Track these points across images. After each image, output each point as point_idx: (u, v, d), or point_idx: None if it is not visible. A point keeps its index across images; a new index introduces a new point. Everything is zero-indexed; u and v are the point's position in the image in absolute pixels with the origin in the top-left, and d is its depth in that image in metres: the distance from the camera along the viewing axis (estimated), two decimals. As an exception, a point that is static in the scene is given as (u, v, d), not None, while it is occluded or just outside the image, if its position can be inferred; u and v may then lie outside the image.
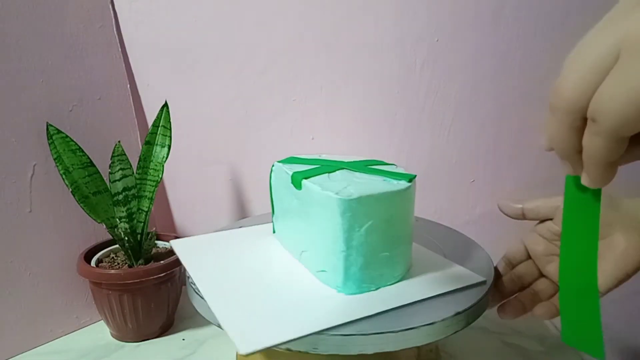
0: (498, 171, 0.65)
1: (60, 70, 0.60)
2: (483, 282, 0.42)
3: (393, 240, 0.41)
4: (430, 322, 0.36)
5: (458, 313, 0.38)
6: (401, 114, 0.65)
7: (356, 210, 0.38)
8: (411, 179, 0.41)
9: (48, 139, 0.55)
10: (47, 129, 0.55)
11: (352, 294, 0.41)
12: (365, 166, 0.47)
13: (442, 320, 0.37)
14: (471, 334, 0.59)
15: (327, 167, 0.46)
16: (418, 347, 0.50)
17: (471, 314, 0.39)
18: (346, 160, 0.49)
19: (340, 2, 0.62)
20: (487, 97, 0.62)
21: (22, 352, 0.58)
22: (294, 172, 0.45)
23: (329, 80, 0.66)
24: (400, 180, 0.41)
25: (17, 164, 0.56)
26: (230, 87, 0.69)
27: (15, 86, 0.55)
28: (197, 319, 0.64)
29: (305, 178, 0.43)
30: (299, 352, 0.36)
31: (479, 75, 0.61)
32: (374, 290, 0.41)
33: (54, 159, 0.55)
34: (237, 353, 0.53)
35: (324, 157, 0.51)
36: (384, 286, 0.42)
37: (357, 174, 0.45)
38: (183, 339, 0.60)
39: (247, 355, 0.33)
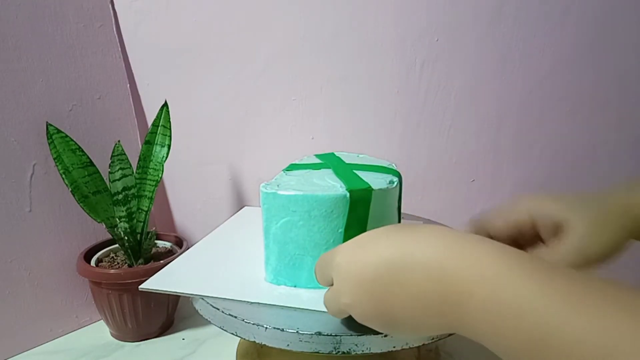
0: (498, 171, 0.65)
1: (60, 70, 0.60)
2: None
3: (318, 246, 0.40)
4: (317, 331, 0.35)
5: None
6: (401, 114, 0.65)
7: (271, 204, 0.40)
8: (357, 192, 0.39)
9: (48, 139, 0.55)
10: (47, 128, 0.55)
11: (269, 282, 0.43)
12: (351, 170, 0.46)
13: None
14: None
15: (321, 165, 0.49)
16: (418, 347, 0.50)
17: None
18: (347, 162, 0.50)
19: (340, 2, 0.62)
20: (487, 97, 0.62)
21: (22, 352, 0.58)
22: (291, 164, 0.48)
23: (329, 80, 0.66)
24: (347, 190, 0.40)
25: (17, 163, 0.56)
26: (230, 87, 0.69)
27: (15, 86, 0.55)
28: (197, 319, 0.64)
29: (289, 170, 0.47)
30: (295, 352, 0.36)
31: (479, 75, 0.61)
32: (290, 286, 0.42)
33: (54, 159, 0.55)
34: (236, 352, 0.53)
35: (343, 156, 0.53)
36: (307, 287, 0.42)
37: (327, 175, 0.45)
38: (183, 339, 0.60)
39: (144, 290, 0.43)
